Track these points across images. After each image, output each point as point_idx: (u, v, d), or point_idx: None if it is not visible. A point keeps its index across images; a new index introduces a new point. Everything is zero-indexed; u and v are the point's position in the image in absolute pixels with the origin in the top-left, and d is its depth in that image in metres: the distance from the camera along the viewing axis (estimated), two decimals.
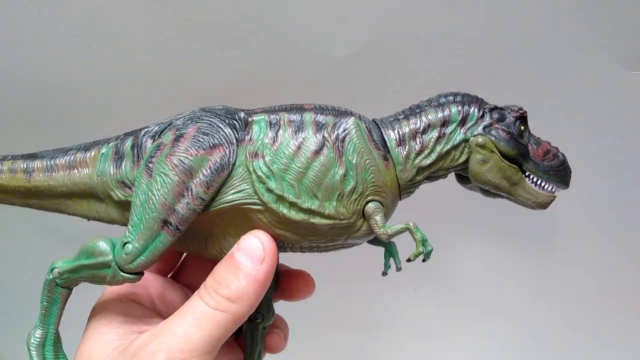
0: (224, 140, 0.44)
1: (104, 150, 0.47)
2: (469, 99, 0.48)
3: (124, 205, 0.46)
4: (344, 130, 0.45)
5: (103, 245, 0.44)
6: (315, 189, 0.44)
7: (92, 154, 0.47)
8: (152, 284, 0.51)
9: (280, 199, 0.44)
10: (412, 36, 0.85)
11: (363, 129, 0.46)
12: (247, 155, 0.44)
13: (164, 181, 0.43)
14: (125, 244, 0.44)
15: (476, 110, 0.47)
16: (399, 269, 0.50)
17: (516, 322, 0.97)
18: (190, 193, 0.43)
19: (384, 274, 0.51)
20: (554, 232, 0.96)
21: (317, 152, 0.44)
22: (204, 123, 0.45)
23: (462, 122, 0.47)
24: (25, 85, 0.84)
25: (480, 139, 0.46)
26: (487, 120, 0.47)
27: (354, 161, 0.45)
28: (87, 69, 0.84)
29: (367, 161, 0.45)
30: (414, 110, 0.48)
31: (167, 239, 0.43)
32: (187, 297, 0.49)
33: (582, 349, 0.96)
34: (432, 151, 0.47)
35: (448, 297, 0.97)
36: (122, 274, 0.44)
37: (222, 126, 0.45)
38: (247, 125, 0.45)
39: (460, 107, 0.47)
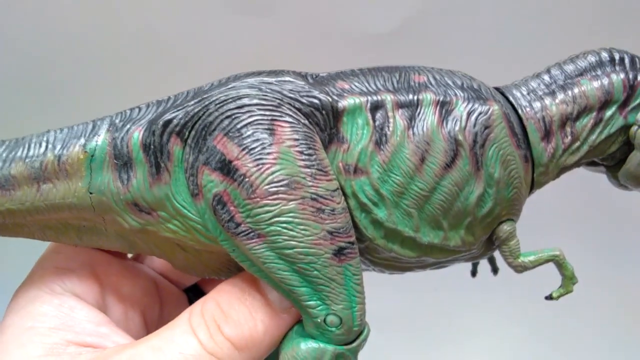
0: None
1: (91, 150, 0.31)
2: (632, 63, 0.35)
3: (137, 234, 0.33)
4: (485, 127, 0.32)
5: (311, 346, 0.31)
6: (440, 217, 0.32)
7: (74, 154, 0.32)
8: (103, 270, 0.36)
9: (392, 233, 0.32)
10: (457, 12, 0.78)
11: (505, 121, 0.33)
12: (341, 168, 0.32)
13: (288, 221, 0.30)
14: (323, 322, 0.31)
15: None
16: (495, 270, 0.40)
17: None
18: (320, 197, 0.30)
19: (474, 274, 0.41)
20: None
21: (449, 165, 0.32)
22: (264, 122, 0.30)
23: (626, 101, 0.35)
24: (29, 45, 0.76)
25: None
26: None
27: (495, 175, 0.33)
28: (99, 33, 0.77)
29: (513, 172, 0.33)
30: (559, 79, 0.35)
31: (354, 265, 0.31)
32: (154, 288, 0.38)
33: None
34: (582, 143, 0.35)
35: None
36: (351, 346, 0.32)
37: (297, 126, 0.31)
38: (336, 117, 0.32)
39: (624, 77, 0.34)
